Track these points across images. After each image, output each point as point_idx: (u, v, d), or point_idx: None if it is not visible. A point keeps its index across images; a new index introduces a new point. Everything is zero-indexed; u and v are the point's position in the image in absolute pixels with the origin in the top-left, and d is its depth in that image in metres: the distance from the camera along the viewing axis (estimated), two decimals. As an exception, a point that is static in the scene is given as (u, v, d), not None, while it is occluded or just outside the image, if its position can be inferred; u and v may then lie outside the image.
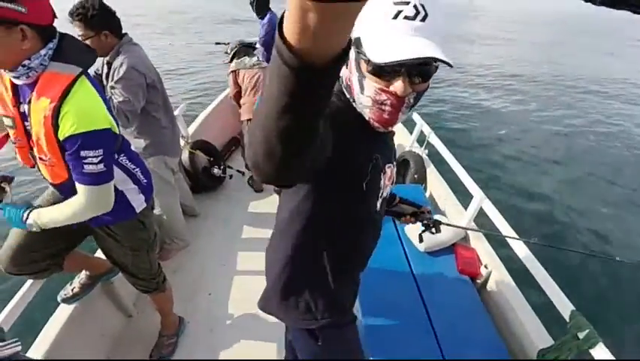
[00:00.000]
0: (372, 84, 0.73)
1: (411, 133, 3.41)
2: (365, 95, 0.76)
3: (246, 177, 3.41)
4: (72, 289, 1.70)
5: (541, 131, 6.88)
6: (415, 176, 2.98)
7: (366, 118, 0.80)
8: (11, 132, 1.20)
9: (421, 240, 1.56)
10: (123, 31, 1.89)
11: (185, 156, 2.88)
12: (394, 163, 1.00)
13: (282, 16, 0.32)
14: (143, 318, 2.04)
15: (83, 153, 1.11)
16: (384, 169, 0.93)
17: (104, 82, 1.93)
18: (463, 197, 2.46)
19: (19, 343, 1.15)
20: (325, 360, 1.06)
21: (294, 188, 0.89)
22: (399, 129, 3.75)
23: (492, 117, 7.41)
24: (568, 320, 1.37)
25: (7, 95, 1.14)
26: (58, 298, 1.68)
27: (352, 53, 0.75)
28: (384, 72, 0.71)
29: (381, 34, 0.67)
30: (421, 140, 3.19)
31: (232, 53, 3.03)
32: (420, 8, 0.65)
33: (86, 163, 1.12)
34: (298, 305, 1.01)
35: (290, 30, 0.31)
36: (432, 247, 2.06)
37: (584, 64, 13.42)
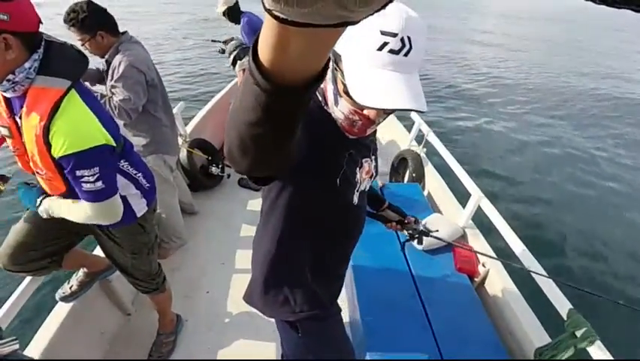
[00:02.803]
0: (346, 105, 0.75)
1: (409, 132, 3.41)
2: (338, 109, 0.78)
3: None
4: (70, 287, 1.69)
5: (541, 130, 6.90)
6: (413, 175, 3.00)
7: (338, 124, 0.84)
8: (9, 141, 1.18)
9: (402, 248, 1.49)
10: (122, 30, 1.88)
11: (183, 154, 2.86)
12: (373, 158, 1.00)
13: (256, 39, 0.32)
14: (141, 316, 2.04)
15: (78, 173, 1.09)
16: (361, 163, 0.94)
17: (106, 80, 1.92)
18: (462, 196, 2.46)
19: (16, 341, 1.15)
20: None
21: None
22: (397, 127, 3.76)
23: (492, 115, 7.42)
24: (565, 319, 1.38)
25: (1, 107, 1.11)
26: (57, 297, 1.67)
27: (330, 63, 0.74)
28: None
29: (363, 65, 0.66)
30: (419, 138, 3.19)
31: (232, 58, 2.92)
32: (406, 41, 0.64)
33: (83, 182, 1.11)
34: (277, 298, 1.03)
35: (266, 54, 0.30)
36: (430, 245, 2.06)
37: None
